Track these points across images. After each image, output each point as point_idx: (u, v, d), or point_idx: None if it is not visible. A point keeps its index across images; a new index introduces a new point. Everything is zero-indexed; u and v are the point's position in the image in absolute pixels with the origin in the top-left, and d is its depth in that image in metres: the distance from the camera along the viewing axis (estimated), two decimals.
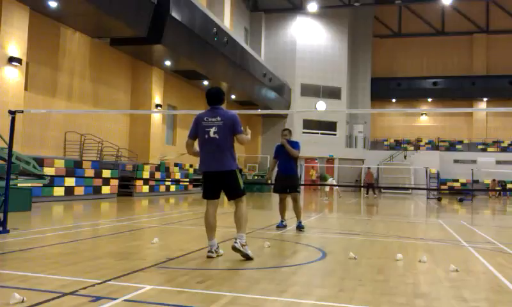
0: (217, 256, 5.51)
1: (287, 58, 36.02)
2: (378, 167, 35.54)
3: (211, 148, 5.51)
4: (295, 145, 8.87)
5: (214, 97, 5.70)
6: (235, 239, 5.41)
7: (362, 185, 33.06)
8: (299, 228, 8.68)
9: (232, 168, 5.52)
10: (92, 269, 4.62)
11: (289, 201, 9.11)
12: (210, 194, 5.62)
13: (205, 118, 5.59)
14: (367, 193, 30.61)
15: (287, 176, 8.88)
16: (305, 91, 36.03)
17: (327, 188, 23.71)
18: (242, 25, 34.38)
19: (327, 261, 5.69)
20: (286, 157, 8.86)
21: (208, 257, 5.44)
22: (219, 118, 5.52)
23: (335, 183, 24.42)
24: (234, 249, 5.32)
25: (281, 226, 8.91)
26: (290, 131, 9.04)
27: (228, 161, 5.51)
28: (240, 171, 5.66)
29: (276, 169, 9.20)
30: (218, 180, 5.55)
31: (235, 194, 5.61)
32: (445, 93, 40.75)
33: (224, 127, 5.50)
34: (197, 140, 5.72)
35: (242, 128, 5.62)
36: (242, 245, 5.35)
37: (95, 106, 18.79)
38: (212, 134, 5.49)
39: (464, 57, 41.90)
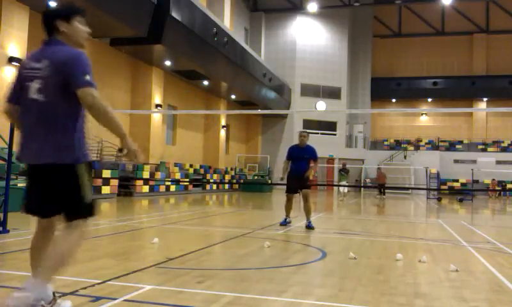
0: None
1: (287, 58, 36.02)
2: (378, 167, 35.49)
3: (30, 120, 2.93)
4: (313, 153, 9.29)
5: (44, 22, 3.13)
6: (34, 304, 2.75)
7: (363, 185, 33.06)
8: (309, 227, 8.81)
9: (65, 161, 2.89)
10: (92, 269, 4.61)
11: (296, 201, 9.30)
12: (35, 206, 3.01)
13: (26, 64, 3.04)
14: (379, 193, 30.48)
15: (298, 177, 9.02)
16: (305, 91, 36.02)
17: (341, 189, 23.48)
18: (242, 25, 34.38)
19: (327, 261, 5.69)
20: (299, 158, 9.07)
21: None
22: (46, 62, 2.92)
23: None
24: None
25: (284, 223, 9.04)
26: (308, 134, 9.47)
27: (62, 145, 2.89)
28: (90, 166, 3.10)
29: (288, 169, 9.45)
30: (45, 180, 2.93)
31: (72, 211, 2.94)
32: (445, 93, 40.76)
33: (52, 79, 2.87)
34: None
35: (91, 78, 2.87)
36: None
37: None
38: (33, 93, 2.90)
39: (464, 57, 41.89)
